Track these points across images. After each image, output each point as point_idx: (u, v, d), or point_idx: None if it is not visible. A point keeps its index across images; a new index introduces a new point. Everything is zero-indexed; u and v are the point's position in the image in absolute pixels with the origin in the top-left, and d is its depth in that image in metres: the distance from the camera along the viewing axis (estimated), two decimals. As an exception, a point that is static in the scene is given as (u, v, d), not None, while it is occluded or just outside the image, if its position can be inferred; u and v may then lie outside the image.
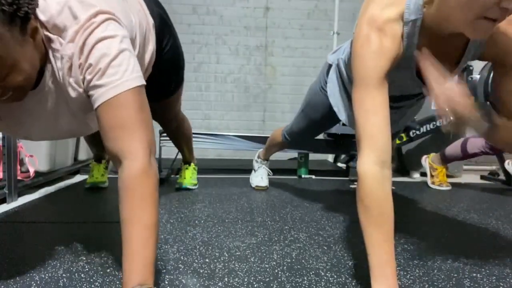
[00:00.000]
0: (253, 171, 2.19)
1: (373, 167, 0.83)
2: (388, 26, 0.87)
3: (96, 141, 1.98)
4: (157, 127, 2.07)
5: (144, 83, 0.88)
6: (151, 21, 1.28)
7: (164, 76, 1.51)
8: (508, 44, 0.91)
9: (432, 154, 2.40)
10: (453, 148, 2.31)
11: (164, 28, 1.42)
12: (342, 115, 1.38)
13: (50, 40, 0.84)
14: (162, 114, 1.78)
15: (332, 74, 1.37)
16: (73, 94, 0.89)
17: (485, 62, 2.70)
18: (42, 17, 0.83)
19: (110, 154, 0.84)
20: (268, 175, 2.18)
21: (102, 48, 0.82)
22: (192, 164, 2.14)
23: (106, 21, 0.85)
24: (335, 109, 1.38)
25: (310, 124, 1.64)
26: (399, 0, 0.90)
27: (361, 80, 0.87)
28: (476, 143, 2.24)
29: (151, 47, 1.28)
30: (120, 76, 0.82)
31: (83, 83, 0.85)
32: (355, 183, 1.09)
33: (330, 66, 1.40)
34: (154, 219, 0.79)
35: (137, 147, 0.81)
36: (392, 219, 0.83)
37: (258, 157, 2.20)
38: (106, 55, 0.82)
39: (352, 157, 2.64)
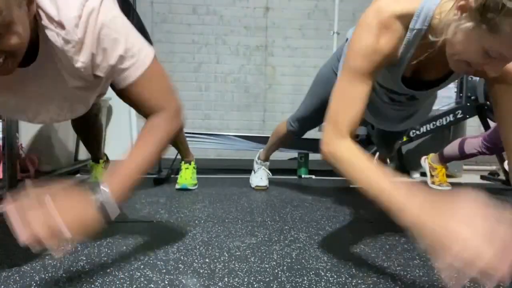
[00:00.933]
0: (252, 171, 2.19)
1: (334, 140, 0.87)
2: (392, 23, 0.87)
3: (89, 141, 2.00)
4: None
5: (153, 49, 0.97)
6: None
7: None
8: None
9: (431, 155, 2.40)
10: (451, 148, 2.31)
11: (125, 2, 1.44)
12: None
13: (49, 18, 0.85)
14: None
15: (346, 49, 1.30)
16: (76, 75, 0.94)
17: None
18: None
19: (149, 115, 0.96)
20: (268, 176, 2.17)
21: (111, 33, 0.88)
22: (191, 163, 2.14)
23: (101, 6, 0.88)
24: None
25: (318, 103, 1.59)
26: (412, 1, 0.88)
27: (349, 68, 0.89)
28: (473, 143, 2.23)
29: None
30: (138, 56, 0.92)
31: (99, 67, 0.91)
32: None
33: (346, 40, 1.37)
34: (161, 153, 0.96)
35: (171, 102, 0.98)
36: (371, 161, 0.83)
37: (258, 158, 2.19)
38: (118, 40, 0.89)
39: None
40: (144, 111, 0.97)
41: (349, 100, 0.88)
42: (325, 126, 0.90)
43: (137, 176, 0.90)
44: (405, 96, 1.19)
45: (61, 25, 0.85)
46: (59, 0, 0.85)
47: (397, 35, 0.88)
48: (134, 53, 0.91)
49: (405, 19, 0.88)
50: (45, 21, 0.86)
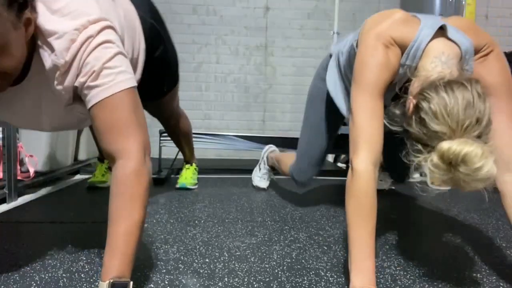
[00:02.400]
0: (258, 168, 2.14)
1: (370, 166, 0.87)
2: (392, 45, 0.92)
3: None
4: (158, 127, 2.07)
5: (136, 84, 0.90)
6: (139, 24, 1.28)
7: (156, 79, 1.53)
8: (484, 74, 0.93)
9: None
10: None
11: (156, 36, 1.43)
12: (341, 105, 1.32)
13: (44, 40, 0.85)
14: (158, 112, 1.82)
15: (332, 63, 1.35)
16: (63, 95, 0.90)
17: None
18: (39, 15, 0.84)
19: (105, 153, 0.87)
20: (270, 178, 2.15)
21: (97, 53, 0.84)
22: (193, 164, 2.15)
23: (101, 31, 0.86)
24: (332, 94, 1.32)
25: (315, 135, 1.53)
26: (407, 31, 0.93)
27: (365, 86, 0.91)
28: None
29: (141, 49, 1.29)
30: (113, 77, 0.85)
31: (78, 86, 0.87)
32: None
33: (330, 56, 1.41)
34: (140, 218, 0.82)
35: (131, 147, 0.84)
36: (375, 218, 0.86)
37: (267, 159, 2.10)
38: (100, 58, 0.84)
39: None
40: (105, 145, 0.86)
41: (373, 116, 0.89)
42: (358, 144, 0.89)
43: (132, 250, 0.81)
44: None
45: (51, 48, 0.84)
46: (59, 21, 0.84)
47: (397, 56, 0.93)
48: (109, 74, 0.84)
49: (400, 46, 0.93)
50: (41, 40, 0.85)
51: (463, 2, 2.76)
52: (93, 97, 0.85)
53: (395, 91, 1.00)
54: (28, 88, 0.92)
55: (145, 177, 0.85)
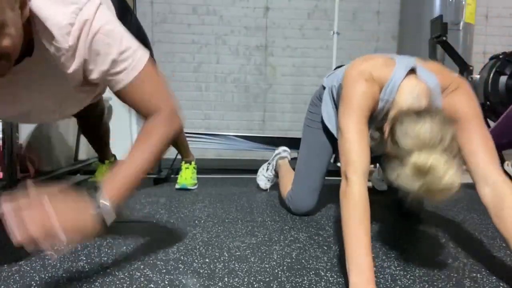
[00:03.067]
0: (266, 165, 2.11)
1: (361, 176, 0.97)
2: (372, 81, 1.06)
3: (95, 142, 2.01)
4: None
5: (148, 52, 0.97)
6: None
7: None
8: (454, 107, 1.08)
9: None
10: None
11: (123, 8, 1.47)
12: (335, 133, 1.44)
13: (41, 25, 0.85)
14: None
15: (326, 96, 1.46)
16: (72, 78, 0.94)
17: (486, 63, 2.70)
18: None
19: (146, 117, 0.96)
20: (273, 181, 2.13)
21: (105, 39, 0.88)
22: (192, 163, 2.14)
23: (96, 11, 0.89)
24: (329, 126, 1.46)
25: (313, 157, 1.56)
26: (385, 71, 1.08)
27: (351, 110, 1.04)
28: None
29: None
30: (132, 58, 0.92)
31: (99, 76, 0.92)
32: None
33: (324, 88, 1.50)
34: (160, 154, 0.94)
35: (167, 102, 0.96)
36: (369, 221, 0.92)
37: (276, 165, 2.05)
38: (111, 45, 0.89)
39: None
40: (140, 112, 0.97)
41: (360, 137, 1.01)
42: (346, 166, 0.99)
43: (137, 180, 0.89)
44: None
45: (50, 34, 0.86)
46: (53, 6, 0.85)
47: (377, 90, 1.07)
48: (127, 57, 0.91)
49: (379, 84, 1.07)
50: (38, 26, 0.86)
51: (463, 2, 2.76)
52: (120, 81, 0.92)
53: (373, 125, 1.16)
54: (31, 68, 0.94)
55: (177, 123, 0.96)
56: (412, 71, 1.09)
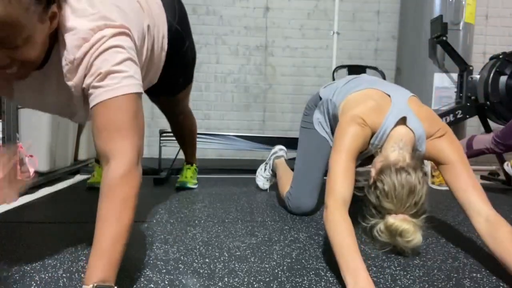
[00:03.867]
0: (264, 166, 2.11)
1: (342, 205, 1.03)
2: (365, 127, 1.16)
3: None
4: (158, 127, 2.07)
5: (142, 91, 0.92)
6: (166, 28, 1.34)
7: (173, 75, 1.57)
8: (438, 150, 1.19)
9: None
10: None
11: (179, 39, 1.48)
12: (330, 140, 1.53)
13: (62, 35, 0.88)
14: (170, 108, 1.87)
15: (321, 106, 1.53)
16: (74, 91, 0.93)
17: (486, 63, 2.70)
18: (63, 11, 0.87)
19: (100, 152, 0.87)
20: (272, 181, 2.14)
21: (106, 56, 0.87)
22: (194, 165, 2.15)
23: (116, 35, 0.89)
24: (322, 134, 1.55)
25: (312, 157, 1.58)
26: (377, 118, 1.17)
27: (342, 149, 1.12)
28: (482, 139, 2.15)
29: (163, 51, 1.35)
30: (119, 81, 0.86)
31: (85, 87, 0.89)
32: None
33: (320, 98, 1.55)
34: (129, 222, 0.83)
35: (126, 149, 0.85)
36: (355, 237, 0.94)
37: (272, 168, 2.05)
38: (108, 61, 0.87)
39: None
40: (101, 143, 0.86)
41: (346, 173, 1.08)
42: (328, 195, 1.06)
43: (119, 254, 0.80)
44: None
45: (64, 44, 0.87)
46: (79, 19, 0.88)
47: (368, 134, 1.17)
48: (116, 77, 0.86)
49: (372, 129, 1.17)
50: (60, 35, 0.88)
51: (463, 2, 2.76)
52: (96, 97, 0.86)
53: (362, 159, 1.34)
54: (46, 76, 0.95)
55: (136, 180, 0.86)
56: (403, 118, 1.18)
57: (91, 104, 0.87)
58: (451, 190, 1.15)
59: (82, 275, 0.95)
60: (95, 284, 0.74)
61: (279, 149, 2.09)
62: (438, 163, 1.21)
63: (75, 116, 1.10)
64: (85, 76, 0.88)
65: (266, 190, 2.08)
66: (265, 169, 2.11)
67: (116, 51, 0.88)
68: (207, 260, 1.07)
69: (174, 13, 1.42)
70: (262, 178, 2.10)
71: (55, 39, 0.89)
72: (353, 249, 0.89)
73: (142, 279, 0.93)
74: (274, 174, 2.04)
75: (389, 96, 1.24)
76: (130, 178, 0.84)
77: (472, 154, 2.20)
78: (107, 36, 0.87)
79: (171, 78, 1.56)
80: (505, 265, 0.95)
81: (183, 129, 2.01)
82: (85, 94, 0.92)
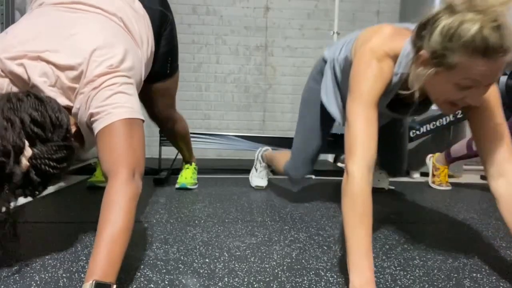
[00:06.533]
0: (254, 169, 2.17)
1: (364, 169, 0.91)
2: (385, 58, 1.00)
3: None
4: (157, 127, 2.07)
5: (141, 117, 1.04)
6: (151, 34, 1.43)
7: (162, 57, 1.61)
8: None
9: (437, 154, 2.39)
10: (459, 146, 2.26)
11: (164, 20, 1.54)
12: (334, 113, 1.40)
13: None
14: (159, 106, 1.79)
15: (328, 70, 1.40)
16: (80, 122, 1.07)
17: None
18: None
19: (102, 172, 0.99)
20: (269, 175, 2.17)
21: (105, 91, 1.00)
22: (193, 164, 2.15)
23: (122, 84, 1.04)
24: (325, 103, 1.41)
25: (309, 134, 1.59)
26: (397, 43, 1.00)
27: (360, 96, 0.97)
28: None
29: (151, 48, 1.42)
30: (110, 111, 0.98)
31: (88, 123, 1.02)
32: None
33: (325, 62, 1.45)
34: (125, 225, 0.87)
35: (121, 169, 0.94)
36: (372, 217, 0.89)
37: (262, 158, 2.13)
38: (106, 96, 0.99)
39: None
40: (102, 164, 0.98)
41: (367, 127, 0.94)
42: (353, 149, 0.93)
43: (118, 255, 0.83)
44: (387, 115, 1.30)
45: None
46: (100, 67, 1.02)
47: (390, 68, 1.01)
48: (107, 109, 0.98)
49: (393, 58, 1.01)
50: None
51: (463, 2, 2.76)
52: (97, 127, 0.99)
53: (389, 98, 1.12)
54: None
55: (132, 189, 0.93)
56: None
57: (95, 134, 1.01)
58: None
59: (82, 275, 0.95)
60: (94, 281, 0.75)
61: (263, 148, 2.18)
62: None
63: None
64: (88, 116, 1.04)
65: (263, 187, 2.08)
66: (256, 170, 2.14)
67: (109, 88, 1.02)
68: (207, 260, 1.07)
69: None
70: (256, 178, 2.11)
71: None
72: (364, 244, 0.85)
73: (142, 279, 0.93)
74: (267, 166, 2.08)
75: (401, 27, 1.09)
76: (126, 189, 0.92)
77: (472, 154, 2.20)
78: (106, 82, 1.03)
79: (159, 59, 1.58)
80: None
81: (175, 135, 2.01)
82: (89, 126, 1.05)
